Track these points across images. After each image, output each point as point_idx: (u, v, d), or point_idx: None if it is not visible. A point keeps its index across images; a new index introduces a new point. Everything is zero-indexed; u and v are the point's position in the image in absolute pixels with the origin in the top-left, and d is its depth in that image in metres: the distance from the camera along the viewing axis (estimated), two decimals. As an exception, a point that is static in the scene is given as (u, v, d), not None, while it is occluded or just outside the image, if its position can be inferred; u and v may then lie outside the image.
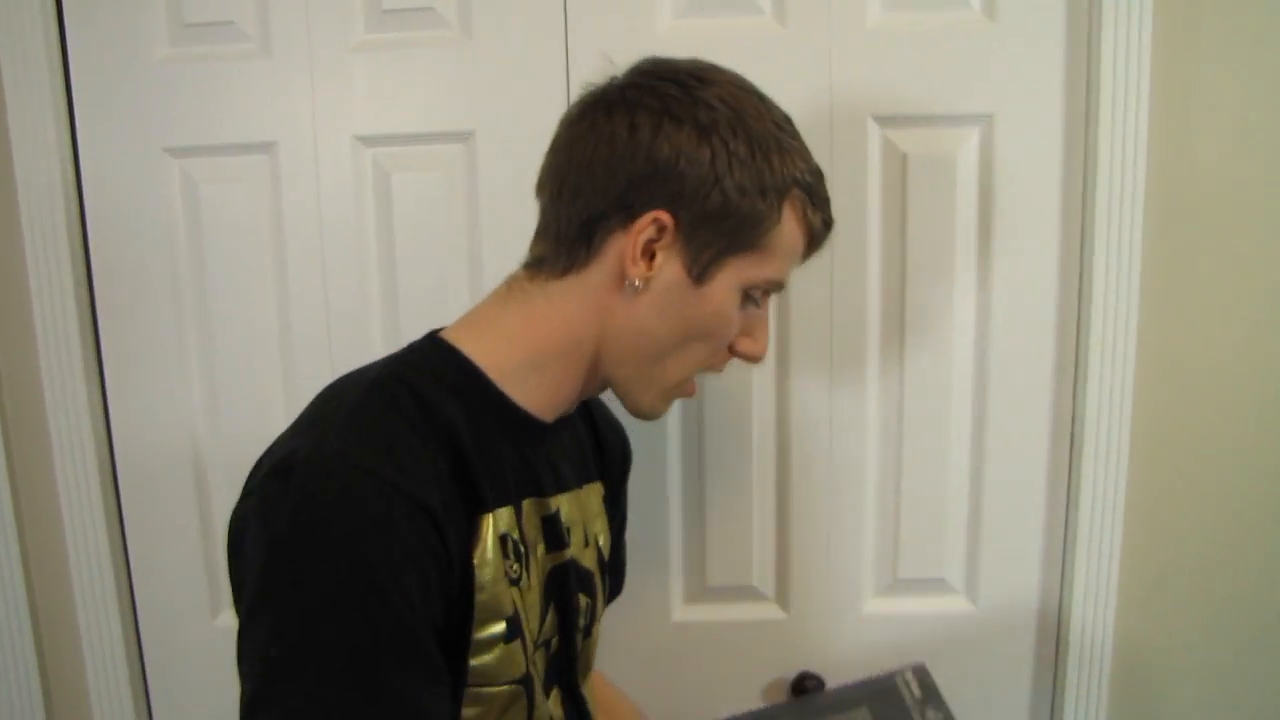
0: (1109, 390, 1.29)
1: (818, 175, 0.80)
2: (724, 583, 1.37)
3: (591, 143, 0.76)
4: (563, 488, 0.85)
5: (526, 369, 0.78)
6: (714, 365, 0.83)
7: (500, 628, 0.74)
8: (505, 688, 0.75)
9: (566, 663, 0.86)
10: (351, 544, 0.65)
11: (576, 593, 0.86)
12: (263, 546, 0.66)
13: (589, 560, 0.89)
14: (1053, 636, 1.37)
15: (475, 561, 0.72)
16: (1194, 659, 1.37)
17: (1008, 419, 1.33)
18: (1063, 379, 1.32)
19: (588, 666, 0.93)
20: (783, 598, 1.37)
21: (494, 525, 0.74)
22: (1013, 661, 1.39)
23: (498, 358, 0.77)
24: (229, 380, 1.31)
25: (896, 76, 1.26)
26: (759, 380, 1.32)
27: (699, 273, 0.75)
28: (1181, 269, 1.28)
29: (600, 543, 0.92)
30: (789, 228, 0.77)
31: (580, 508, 0.88)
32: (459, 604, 0.71)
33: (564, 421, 0.85)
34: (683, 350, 0.79)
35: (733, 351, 0.82)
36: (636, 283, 0.75)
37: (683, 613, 1.38)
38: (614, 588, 1.07)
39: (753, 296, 0.79)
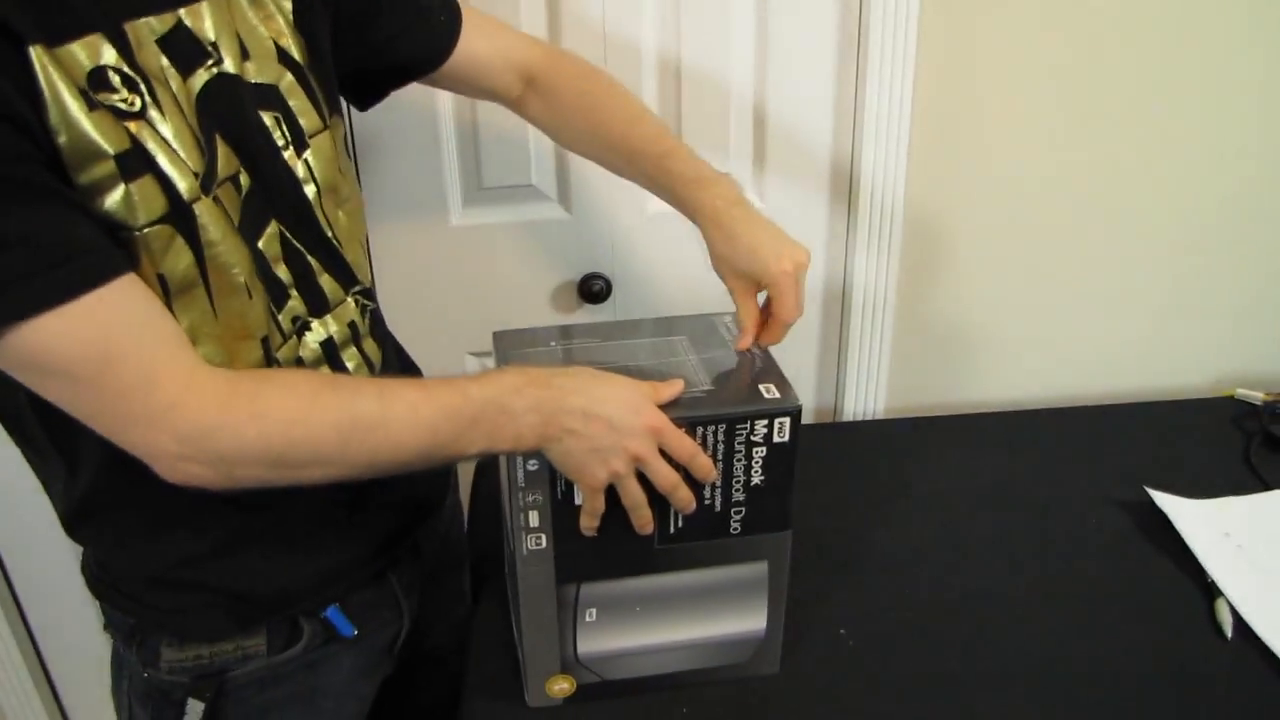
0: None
1: None
2: (502, 183, 1.30)
3: None
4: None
5: None
6: None
7: (109, 167, 0.66)
8: (151, 229, 0.69)
9: (278, 191, 0.80)
10: None
11: (255, 111, 0.78)
12: None
13: (263, 71, 0.79)
14: (845, 205, 1.36)
15: (45, 101, 0.63)
16: (975, 221, 1.38)
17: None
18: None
19: (330, 186, 0.85)
20: (565, 198, 1.32)
21: (58, 61, 0.64)
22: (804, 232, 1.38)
23: None
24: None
25: None
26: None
27: None
28: None
29: (286, 43, 0.82)
30: None
31: (229, 15, 0.78)
32: (49, 149, 0.64)
33: None
34: None
35: None
36: None
37: (461, 217, 1.32)
38: (448, 24, 0.98)
39: None
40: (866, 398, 1.45)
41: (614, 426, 0.75)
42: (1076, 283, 1.42)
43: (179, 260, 0.72)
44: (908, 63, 1.24)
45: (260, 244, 0.79)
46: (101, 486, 0.79)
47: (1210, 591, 1.06)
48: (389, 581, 0.93)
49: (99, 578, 0.86)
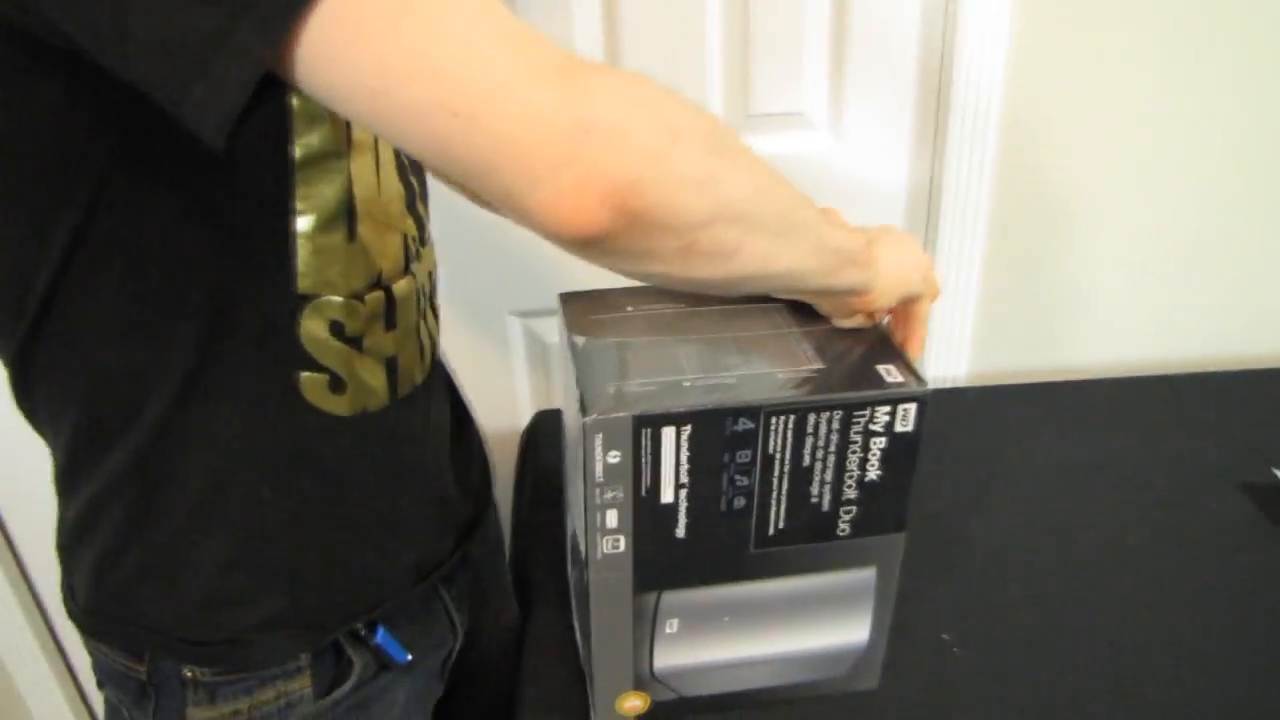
0: None
1: None
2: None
3: None
4: None
5: None
6: None
7: None
8: None
9: None
10: None
11: None
12: None
13: None
14: (932, 127, 1.22)
15: None
16: (1078, 159, 1.24)
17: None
18: None
19: None
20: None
21: None
22: (887, 157, 1.25)
23: None
24: None
25: None
26: None
27: None
28: None
29: None
30: None
31: None
32: None
33: None
34: None
35: None
36: None
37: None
38: None
39: None
40: (947, 363, 1.32)
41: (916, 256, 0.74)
42: (1190, 232, 1.27)
43: None
44: None
45: None
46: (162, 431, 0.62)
47: (1359, 593, 0.93)
48: (440, 596, 0.80)
49: (96, 609, 0.68)
